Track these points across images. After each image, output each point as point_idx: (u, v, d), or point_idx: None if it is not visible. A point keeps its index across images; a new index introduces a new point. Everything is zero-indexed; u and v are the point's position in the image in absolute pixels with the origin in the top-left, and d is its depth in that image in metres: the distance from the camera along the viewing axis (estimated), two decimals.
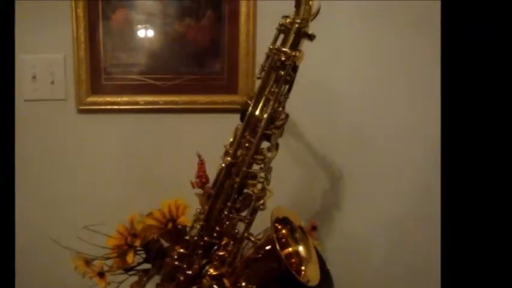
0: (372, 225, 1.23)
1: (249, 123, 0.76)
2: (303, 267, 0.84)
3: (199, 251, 0.81)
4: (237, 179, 0.77)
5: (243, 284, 0.82)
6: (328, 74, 1.16)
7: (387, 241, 1.24)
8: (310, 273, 0.82)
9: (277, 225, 0.84)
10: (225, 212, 0.78)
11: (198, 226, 0.79)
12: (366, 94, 1.17)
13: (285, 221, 0.85)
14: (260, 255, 0.81)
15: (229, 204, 0.78)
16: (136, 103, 1.15)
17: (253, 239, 0.83)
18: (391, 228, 1.23)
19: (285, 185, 1.19)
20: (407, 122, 1.18)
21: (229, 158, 0.76)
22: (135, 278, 1.03)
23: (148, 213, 1.01)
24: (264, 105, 0.76)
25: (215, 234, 0.80)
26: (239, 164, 0.77)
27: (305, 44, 1.09)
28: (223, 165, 0.78)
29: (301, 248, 0.85)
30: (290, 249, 0.86)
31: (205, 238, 0.80)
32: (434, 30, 0.99)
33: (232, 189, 0.77)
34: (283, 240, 0.86)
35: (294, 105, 1.12)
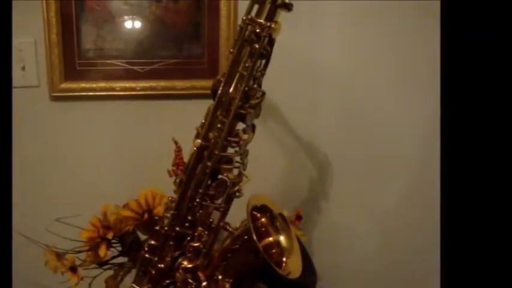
0: (361, 216, 1.15)
1: (221, 101, 0.67)
2: (284, 259, 0.75)
3: (171, 243, 0.72)
4: (209, 164, 0.68)
5: (220, 277, 0.74)
6: (316, 56, 1.08)
7: (378, 233, 1.15)
8: (292, 264, 0.74)
9: (256, 213, 0.76)
10: (197, 200, 0.70)
11: (169, 215, 0.71)
12: (356, 77, 1.09)
13: (264, 209, 0.76)
14: (237, 246, 0.73)
15: (201, 191, 0.69)
16: (113, 89, 1.07)
17: (230, 229, 0.74)
18: (382, 219, 1.15)
19: (269, 174, 1.11)
20: (400, 107, 1.10)
21: (199, 141, 0.68)
22: (112, 272, 0.96)
23: (125, 204, 0.94)
24: (238, 83, 0.68)
25: (187, 224, 0.71)
26: (211, 147, 0.68)
27: (292, 27, 1.03)
28: (195, 148, 0.69)
29: (282, 238, 0.77)
30: (271, 238, 0.78)
31: (177, 228, 0.71)
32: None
33: (204, 174, 0.69)
34: (263, 229, 0.77)
35: (277, 87, 1.05)
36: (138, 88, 1.07)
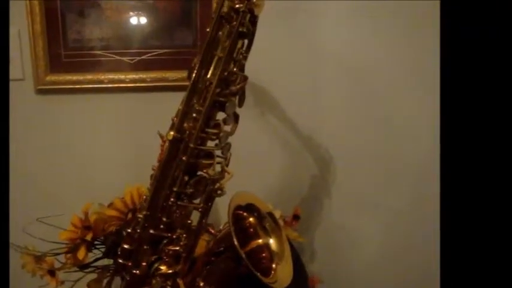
0: (365, 215, 1.06)
1: (196, 88, 0.58)
2: (273, 265, 0.65)
3: (146, 247, 0.63)
4: (185, 158, 0.58)
5: (201, 284, 0.64)
6: (318, 44, 0.99)
7: (382, 233, 1.06)
8: (282, 271, 0.64)
9: (241, 212, 0.66)
10: (172, 199, 0.60)
11: (142, 216, 0.61)
12: (361, 69, 1.00)
13: (250, 208, 0.67)
14: (220, 251, 0.64)
15: (175, 189, 0.60)
16: (100, 82, 0.98)
17: (212, 231, 0.65)
18: (386, 219, 1.06)
19: (266, 170, 1.03)
20: (404, 102, 1.01)
21: (172, 132, 0.58)
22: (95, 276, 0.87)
23: (110, 203, 0.86)
24: (216, 67, 0.58)
25: (162, 226, 0.62)
26: (186, 140, 0.59)
27: (293, 15, 0.94)
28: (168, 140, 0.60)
29: (271, 241, 0.67)
30: (259, 241, 0.68)
31: (151, 231, 0.62)
32: None
33: (179, 170, 0.59)
34: (251, 230, 0.68)
35: (276, 77, 0.96)
36: (127, 80, 0.99)
